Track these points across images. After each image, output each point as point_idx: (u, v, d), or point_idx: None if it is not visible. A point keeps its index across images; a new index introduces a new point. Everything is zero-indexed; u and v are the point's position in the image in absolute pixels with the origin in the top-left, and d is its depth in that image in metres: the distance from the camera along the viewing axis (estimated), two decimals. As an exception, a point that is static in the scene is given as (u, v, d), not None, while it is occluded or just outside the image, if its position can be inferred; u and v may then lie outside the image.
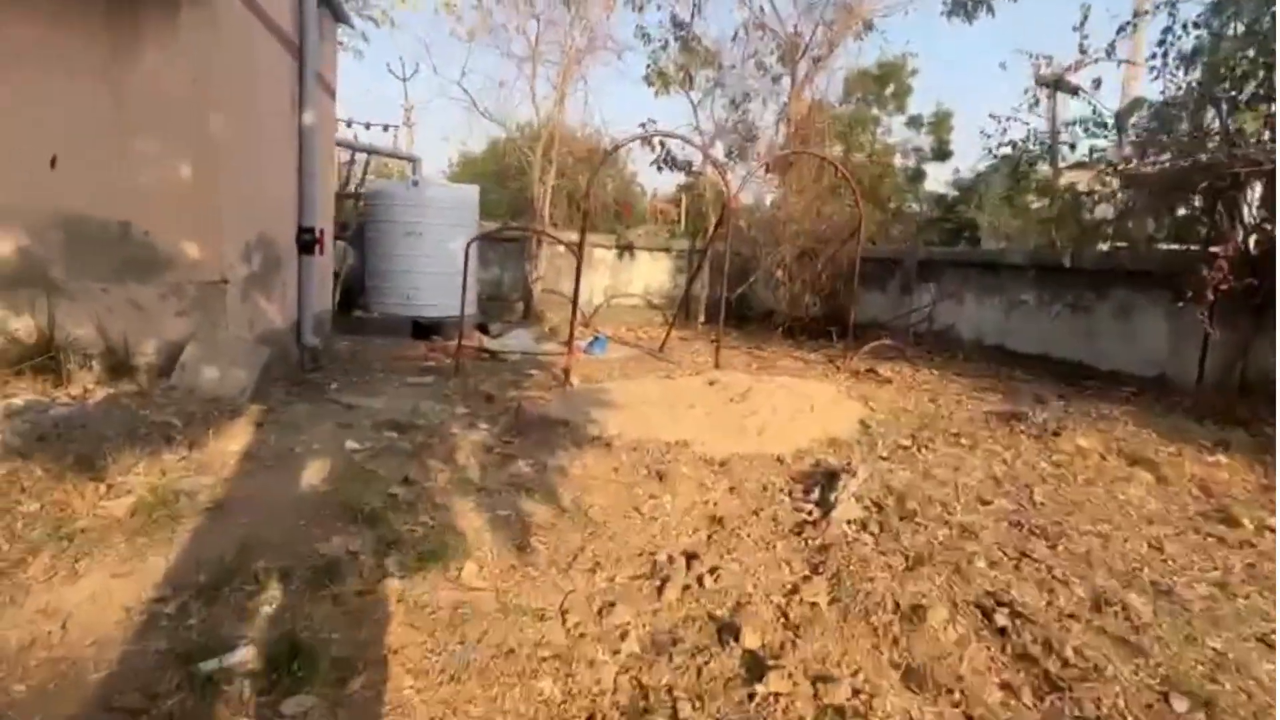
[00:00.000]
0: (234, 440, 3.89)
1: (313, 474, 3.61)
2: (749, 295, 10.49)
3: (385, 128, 16.04)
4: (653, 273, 12.93)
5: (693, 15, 11.33)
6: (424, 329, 9.34)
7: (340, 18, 7.44)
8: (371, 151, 10.27)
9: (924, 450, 4.93)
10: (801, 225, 9.85)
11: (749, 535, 3.37)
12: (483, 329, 10.09)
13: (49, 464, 3.17)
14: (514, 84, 13.43)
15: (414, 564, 2.72)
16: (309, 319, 6.60)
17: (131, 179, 4.44)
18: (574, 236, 8.77)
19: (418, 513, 3.27)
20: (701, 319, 11.76)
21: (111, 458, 3.31)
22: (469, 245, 7.34)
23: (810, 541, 3.33)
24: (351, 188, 11.05)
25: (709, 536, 3.36)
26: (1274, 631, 2.56)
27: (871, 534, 3.45)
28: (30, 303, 4.21)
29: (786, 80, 12.07)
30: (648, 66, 11.43)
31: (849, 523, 3.58)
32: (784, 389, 6.25)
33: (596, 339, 9.33)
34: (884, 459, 4.78)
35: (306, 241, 6.42)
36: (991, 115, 9.06)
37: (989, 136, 9.20)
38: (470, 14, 11.46)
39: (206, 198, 4.61)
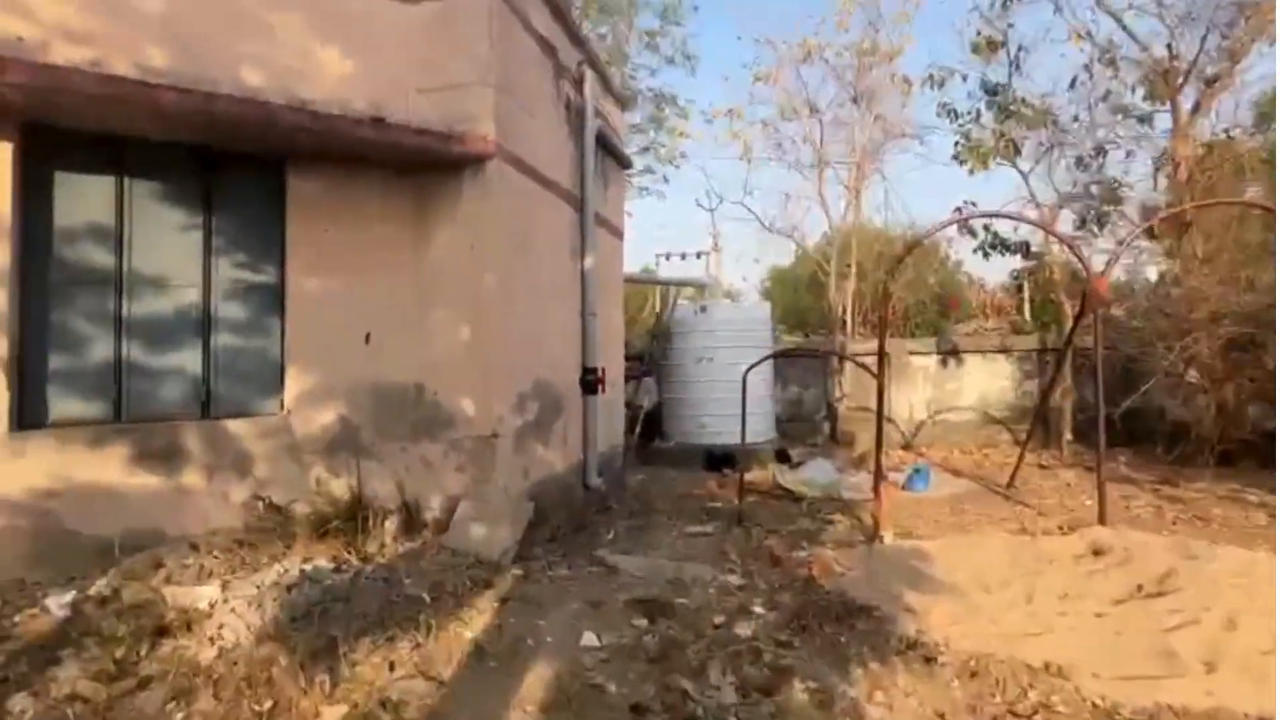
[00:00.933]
0: (472, 623, 3.52)
1: (532, 686, 2.97)
2: (1143, 407, 7.55)
3: (698, 255, 17.05)
4: (989, 379, 10.54)
5: (1010, 74, 9.54)
6: (717, 459, 8.75)
7: (624, 164, 7.84)
8: (664, 283, 10.56)
9: None
10: (1221, 304, 6.86)
11: None
12: (782, 455, 9.10)
13: (299, 648, 3.11)
14: (803, 194, 12.96)
15: None
16: (593, 459, 6.48)
17: (424, 345, 4.79)
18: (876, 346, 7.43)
19: (632, 782, 2.33)
20: (1068, 437, 8.96)
21: (349, 646, 3.14)
22: (747, 371, 6.61)
23: None
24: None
25: None
26: None
27: None
28: (346, 465, 4.67)
29: (1163, 117, 9.23)
30: (957, 144, 9.85)
31: None
32: (1242, 574, 3.86)
33: (917, 470, 7.58)
34: None
35: (589, 381, 6.41)
36: None
37: None
38: (751, 129, 11.48)
39: (479, 356, 4.73)
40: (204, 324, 4.35)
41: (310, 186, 4.49)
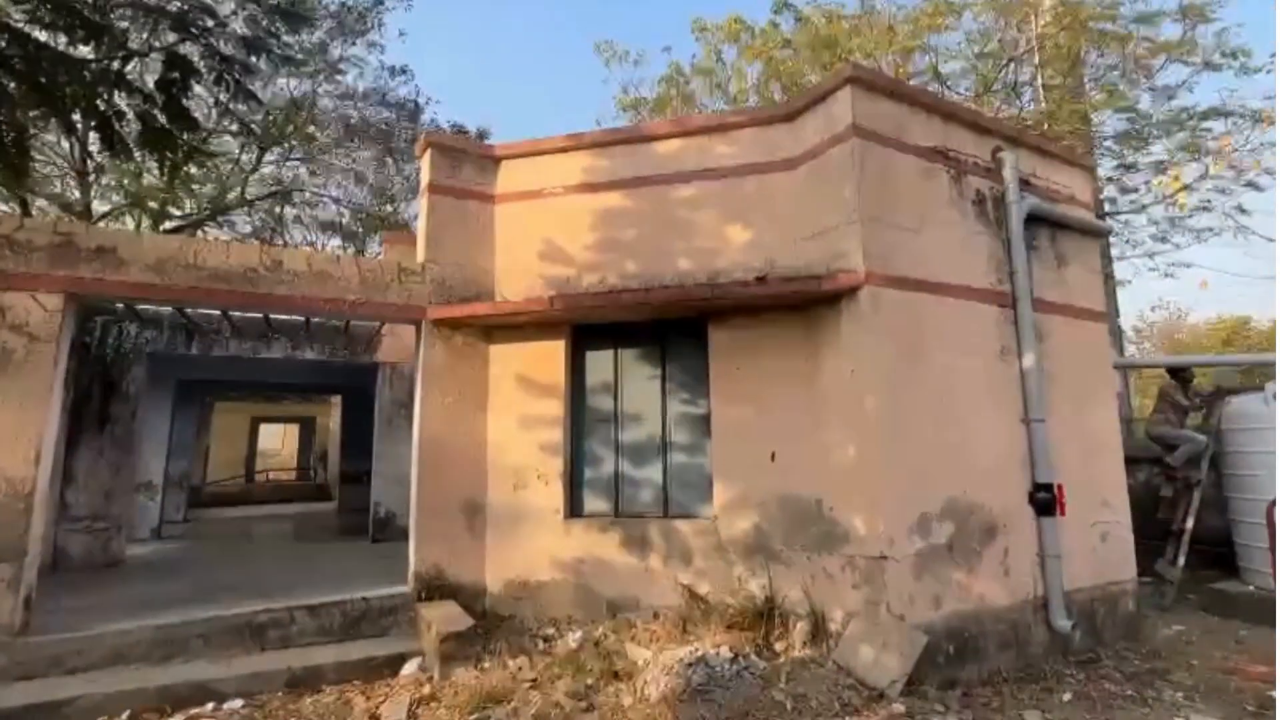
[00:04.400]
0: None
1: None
2: None
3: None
4: None
5: None
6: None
7: (1096, 232, 6.48)
8: (1216, 364, 7.69)
9: None
10: None
11: None
12: None
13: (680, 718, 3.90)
14: None
15: None
16: (1057, 595, 5.37)
17: (821, 463, 5.19)
18: None
19: None
20: None
21: (705, 728, 3.75)
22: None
23: None
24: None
25: None
26: None
27: None
28: (761, 567, 5.37)
29: None
30: None
31: None
32: None
33: None
34: None
35: (1043, 500, 5.45)
36: None
37: None
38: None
39: (864, 476, 4.83)
40: (663, 447, 5.92)
41: (722, 335, 5.67)
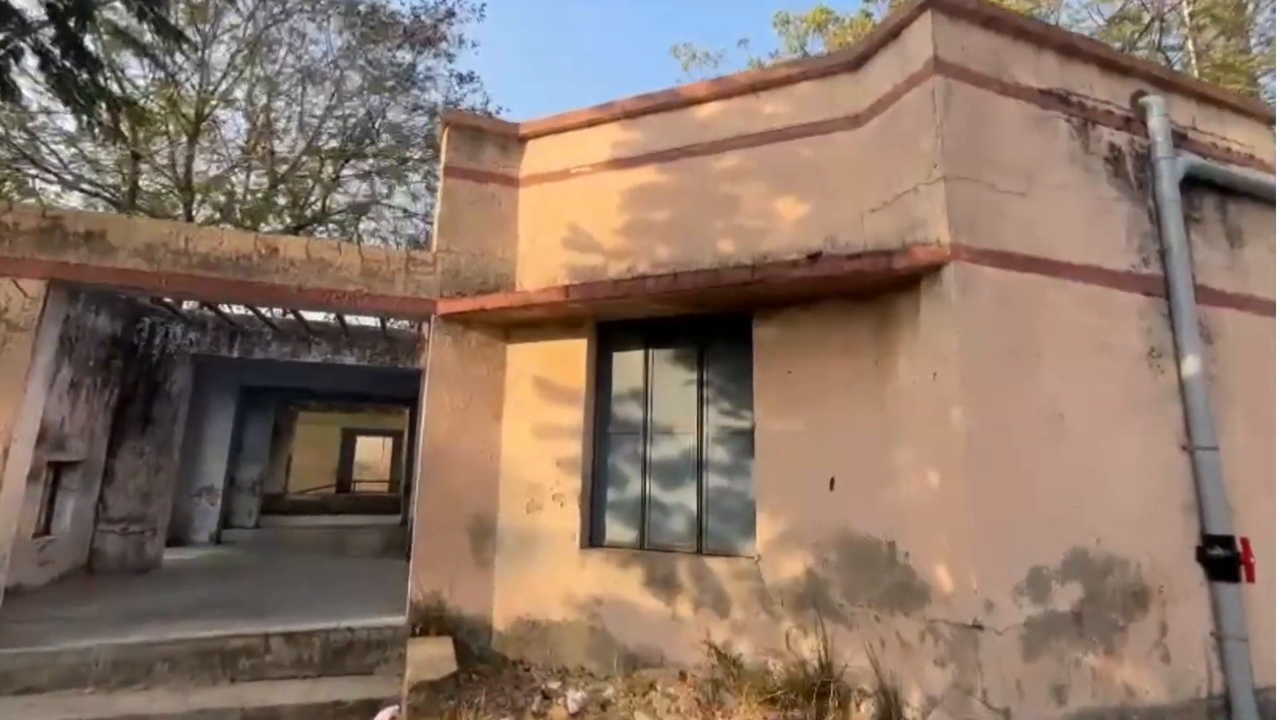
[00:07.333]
0: None
1: None
2: None
3: None
4: None
5: None
6: None
7: (1285, 204, 4.85)
8: None
9: None
10: None
11: None
12: None
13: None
14: None
15: None
16: (1245, 694, 3.85)
17: (892, 494, 4.00)
18: None
19: None
20: None
21: None
22: None
23: None
24: None
25: None
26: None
27: None
28: (815, 624, 4.21)
29: None
30: None
31: None
32: None
33: None
34: None
35: (1218, 560, 3.96)
36: None
37: None
38: None
39: (950, 512, 3.60)
40: (699, 467, 4.90)
41: (770, 331, 4.61)
